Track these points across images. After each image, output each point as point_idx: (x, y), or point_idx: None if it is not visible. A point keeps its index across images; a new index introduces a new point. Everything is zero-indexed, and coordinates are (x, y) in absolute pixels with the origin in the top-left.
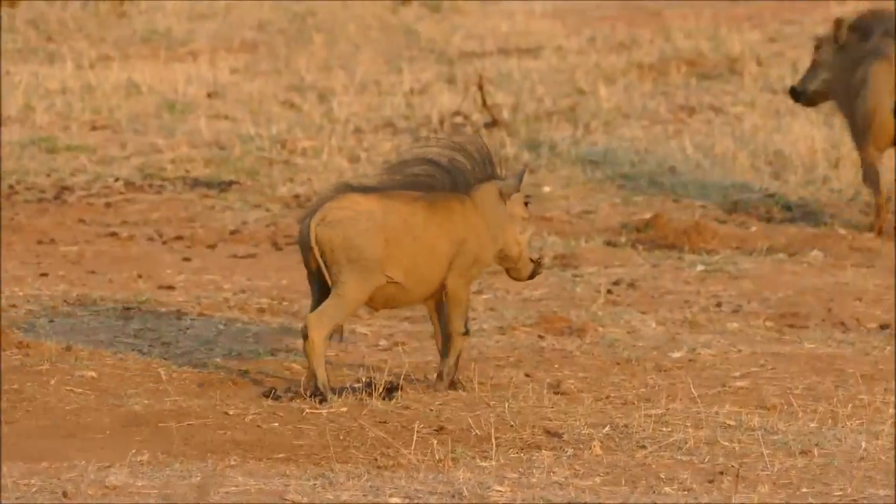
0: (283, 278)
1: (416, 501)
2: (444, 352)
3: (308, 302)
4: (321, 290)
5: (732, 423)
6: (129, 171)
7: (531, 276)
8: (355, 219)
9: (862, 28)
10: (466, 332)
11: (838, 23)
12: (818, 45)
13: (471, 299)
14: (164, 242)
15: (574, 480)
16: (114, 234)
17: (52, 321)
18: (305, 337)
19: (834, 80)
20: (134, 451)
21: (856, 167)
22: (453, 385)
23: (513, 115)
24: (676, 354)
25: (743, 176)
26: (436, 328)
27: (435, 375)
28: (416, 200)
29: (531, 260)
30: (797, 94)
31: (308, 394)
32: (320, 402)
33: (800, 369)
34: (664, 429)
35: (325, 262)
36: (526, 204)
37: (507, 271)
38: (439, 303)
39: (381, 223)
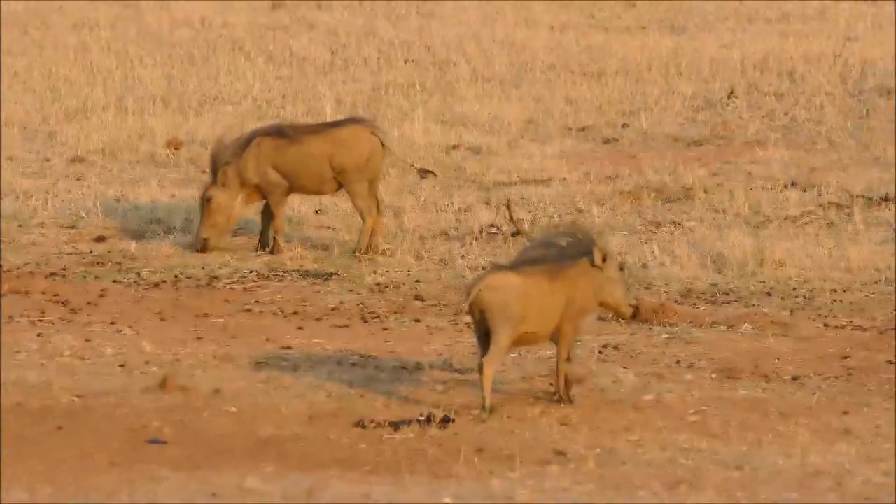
0: (370, 342)
1: (460, 501)
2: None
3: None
4: (482, 339)
5: (687, 446)
6: (259, 266)
7: (633, 317)
8: (508, 287)
9: None
10: (569, 359)
11: None
12: None
13: (576, 338)
14: (285, 316)
15: (576, 486)
16: (249, 310)
17: (205, 372)
18: (481, 370)
19: None
20: (264, 464)
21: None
22: (570, 398)
23: (531, 227)
24: (648, 397)
25: (694, 271)
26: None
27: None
28: (542, 273)
29: (630, 305)
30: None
31: (486, 413)
32: (483, 418)
33: (735, 409)
34: (639, 450)
35: (484, 318)
36: (622, 269)
37: (615, 313)
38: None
39: (523, 292)
